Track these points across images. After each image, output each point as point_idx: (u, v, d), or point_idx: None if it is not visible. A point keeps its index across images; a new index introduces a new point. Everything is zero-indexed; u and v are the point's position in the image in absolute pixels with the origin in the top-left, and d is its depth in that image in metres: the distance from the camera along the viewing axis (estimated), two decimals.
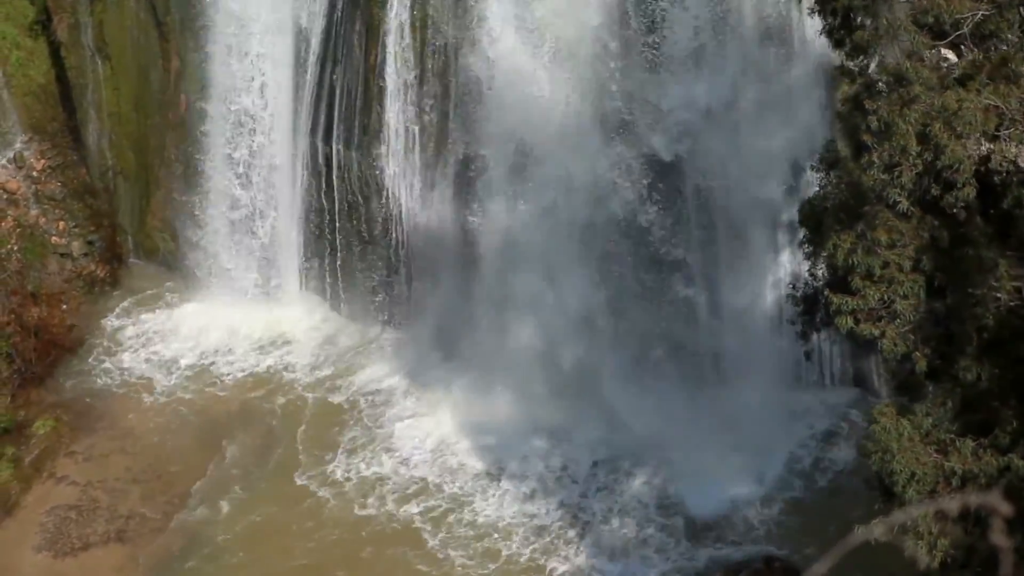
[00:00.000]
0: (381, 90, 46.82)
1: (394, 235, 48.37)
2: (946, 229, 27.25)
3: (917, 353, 27.49)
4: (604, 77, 42.78)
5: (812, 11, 31.09)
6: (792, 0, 40.05)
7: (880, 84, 28.71)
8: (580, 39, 42.94)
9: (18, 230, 53.32)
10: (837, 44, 30.60)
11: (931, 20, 27.58)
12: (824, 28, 30.64)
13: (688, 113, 42.45)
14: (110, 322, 52.81)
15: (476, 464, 45.23)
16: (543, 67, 43.53)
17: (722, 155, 42.50)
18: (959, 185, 26.20)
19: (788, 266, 42.07)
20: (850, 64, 30.08)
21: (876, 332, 27.17)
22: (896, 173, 26.70)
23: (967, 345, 27.27)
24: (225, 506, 44.99)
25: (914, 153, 26.47)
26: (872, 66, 29.45)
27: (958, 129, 26.09)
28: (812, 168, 32.63)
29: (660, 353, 44.73)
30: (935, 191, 26.61)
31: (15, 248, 52.92)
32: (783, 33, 41.59)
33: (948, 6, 27.32)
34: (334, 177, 48.78)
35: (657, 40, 42.19)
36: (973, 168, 26.11)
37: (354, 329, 50.77)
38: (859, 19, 28.93)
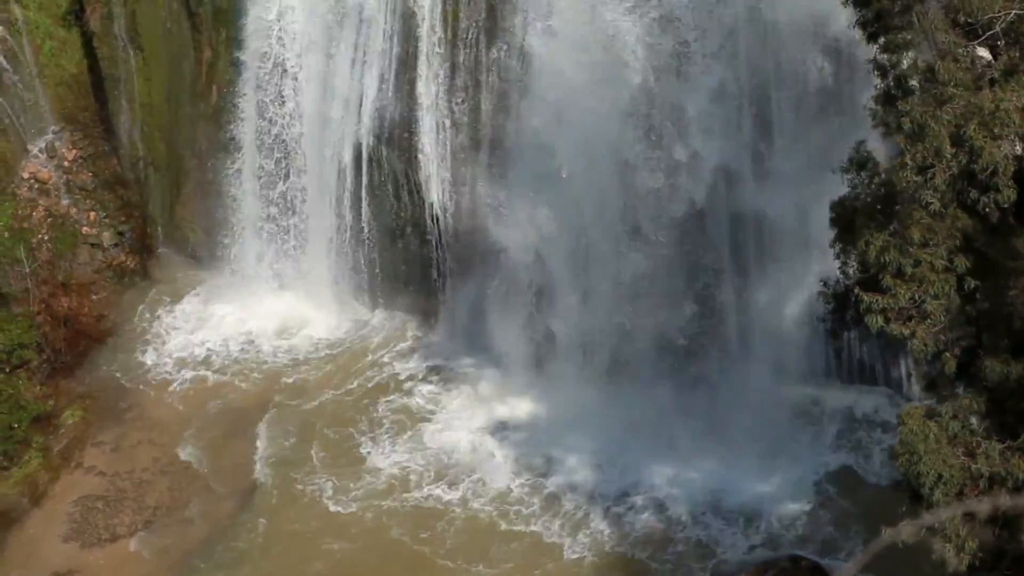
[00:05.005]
0: (413, 83, 46.75)
1: (426, 229, 48.32)
2: (980, 230, 27.02)
3: (947, 354, 27.29)
4: (636, 75, 42.54)
5: (845, 2, 30.90)
6: None
7: (912, 81, 28.51)
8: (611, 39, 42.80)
9: (49, 220, 53.54)
10: (871, 38, 30.47)
11: (963, 20, 27.33)
12: (857, 20, 30.50)
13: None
14: (140, 312, 53.10)
15: (508, 457, 45.18)
16: (575, 63, 43.32)
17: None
18: (998, 188, 25.92)
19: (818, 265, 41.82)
20: (883, 58, 29.89)
21: (906, 332, 26.93)
22: (930, 175, 26.48)
23: (997, 346, 27.07)
24: (252, 498, 45.00)
25: (948, 155, 26.22)
26: (905, 62, 29.22)
27: (995, 130, 25.80)
28: (842, 169, 32.40)
29: (689, 351, 44.59)
30: (973, 194, 26.34)
31: (46, 238, 53.12)
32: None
33: (981, 5, 27.06)
34: (366, 171, 48.68)
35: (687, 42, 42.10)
36: (1012, 170, 25.85)
37: (384, 322, 50.85)
38: (892, 20, 28.78)
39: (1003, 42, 27.48)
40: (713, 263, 43.98)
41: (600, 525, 42.59)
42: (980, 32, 27.53)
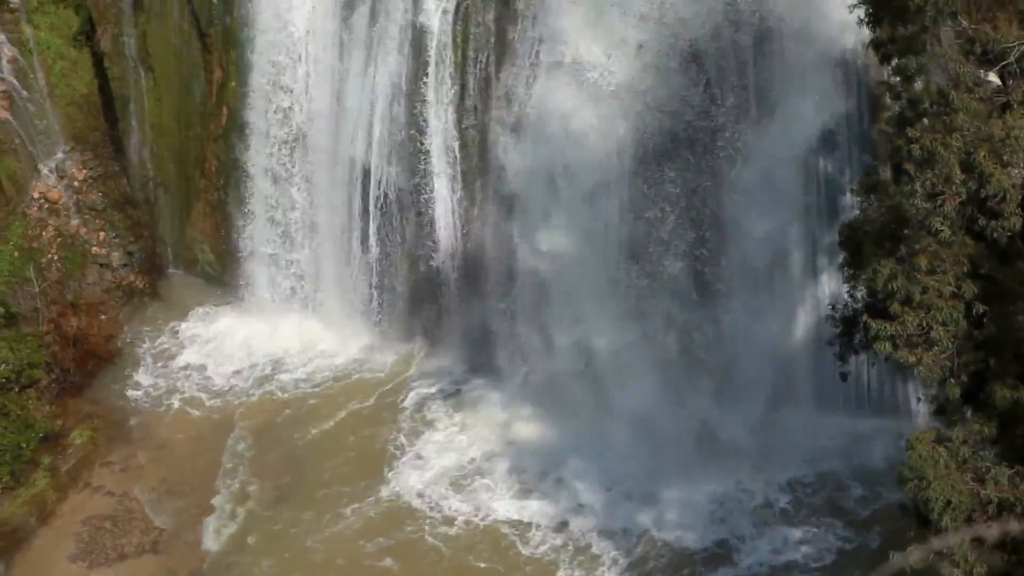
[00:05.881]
0: (422, 106, 46.87)
1: (433, 252, 48.38)
2: (987, 256, 27.09)
3: (952, 381, 27.33)
4: (645, 99, 42.64)
5: (860, 21, 31.05)
6: None
7: (924, 105, 28.60)
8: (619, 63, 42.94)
9: (59, 240, 53.70)
10: (883, 59, 30.58)
11: (978, 50, 27.43)
12: (871, 42, 30.73)
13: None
14: (149, 332, 53.17)
15: (511, 479, 45.19)
16: (584, 86, 43.41)
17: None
18: (1006, 214, 26.01)
19: (827, 288, 41.83)
20: (895, 81, 30.01)
21: (913, 359, 27.01)
22: (939, 202, 26.57)
23: (1005, 372, 27.10)
24: (260, 519, 45.02)
25: (958, 181, 26.32)
26: (917, 85, 29.32)
27: (1004, 157, 25.92)
28: (852, 191, 32.46)
29: (696, 374, 44.56)
30: (981, 221, 26.42)
31: (55, 258, 53.28)
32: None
33: (995, 35, 27.17)
34: (374, 193, 48.76)
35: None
36: (1021, 197, 25.94)
37: (393, 343, 50.86)
38: (904, 45, 28.89)
39: (1016, 70, 27.57)
40: (719, 287, 44.00)
41: (609, 552, 42.56)
42: (993, 61, 27.65)
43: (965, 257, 26.92)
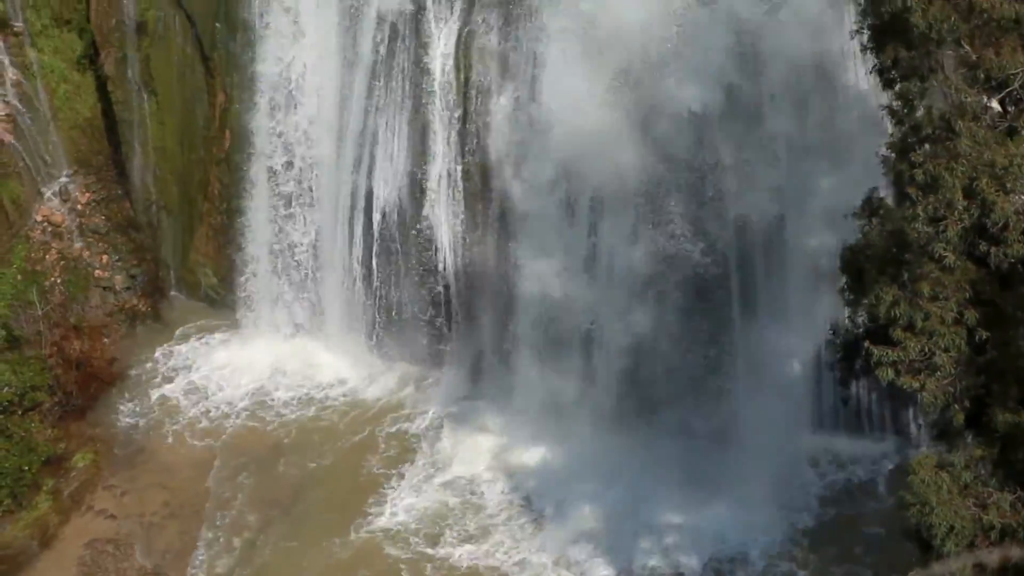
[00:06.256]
0: (424, 130, 47.01)
1: (436, 274, 48.52)
2: (989, 281, 27.13)
3: (955, 407, 27.34)
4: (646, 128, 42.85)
5: (864, 48, 31.08)
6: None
7: (926, 131, 28.62)
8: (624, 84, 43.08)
9: (62, 263, 53.80)
10: (887, 84, 30.59)
11: (981, 76, 27.48)
12: (874, 67, 30.60)
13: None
14: (151, 355, 53.19)
15: (514, 504, 45.20)
16: (589, 106, 43.55)
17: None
18: (1009, 241, 26.07)
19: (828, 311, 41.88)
20: (897, 106, 30.05)
21: (916, 385, 27.02)
22: (941, 227, 26.63)
23: (1006, 397, 27.12)
24: (260, 544, 45.01)
25: (960, 207, 26.38)
26: (920, 111, 29.33)
27: (1007, 184, 25.99)
28: (853, 215, 32.50)
29: (698, 398, 44.63)
30: (983, 247, 26.49)
31: (58, 281, 53.37)
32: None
33: (999, 60, 27.22)
34: (377, 217, 48.87)
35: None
36: (1023, 225, 26.00)
37: (395, 367, 50.96)
38: (907, 70, 28.89)
39: (1020, 96, 27.62)
40: (725, 313, 44.07)
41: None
42: (996, 87, 27.70)
43: (967, 283, 26.95)
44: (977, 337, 26.93)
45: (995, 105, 28.76)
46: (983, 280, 27.16)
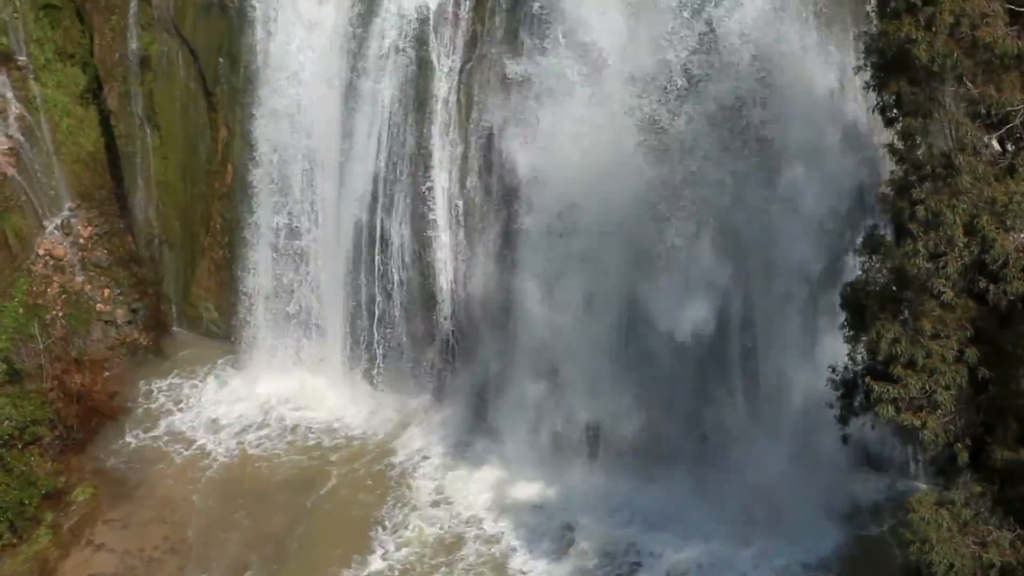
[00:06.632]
0: (427, 165, 47.14)
1: (438, 308, 48.60)
2: (990, 320, 27.24)
3: (959, 445, 27.40)
4: (646, 158, 42.95)
5: (867, 86, 31.23)
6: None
7: (927, 168, 28.76)
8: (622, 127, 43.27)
9: (63, 296, 53.88)
10: (888, 123, 30.75)
11: (983, 110, 27.63)
12: (876, 105, 30.88)
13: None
14: (152, 390, 53.22)
15: (514, 539, 45.11)
16: (583, 143, 43.70)
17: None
18: (1007, 279, 26.18)
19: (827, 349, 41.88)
20: (899, 144, 30.16)
21: (917, 422, 27.14)
22: (941, 263, 26.76)
23: (1007, 435, 27.20)
24: None
25: (961, 244, 26.52)
26: (920, 151, 29.48)
27: (1007, 222, 26.13)
28: (855, 251, 32.57)
29: (699, 435, 44.63)
30: (982, 283, 26.60)
31: (60, 314, 53.44)
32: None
33: (1000, 97, 27.39)
34: (379, 251, 49.05)
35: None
36: (1022, 262, 26.13)
37: (396, 400, 50.95)
38: (909, 105, 29.05)
39: (1020, 134, 27.79)
40: (727, 351, 44.11)
41: None
42: (997, 124, 27.87)
43: (968, 321, 27.07)
44: (979, 375, 27.02)
45: (995, 144, 28.94)
46: (984, 318, 27.29)
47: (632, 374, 44.57)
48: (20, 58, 54.52)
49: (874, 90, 30.98)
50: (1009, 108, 27.60)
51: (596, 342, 44.92)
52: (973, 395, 27.44)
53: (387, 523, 46.36)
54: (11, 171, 53.58)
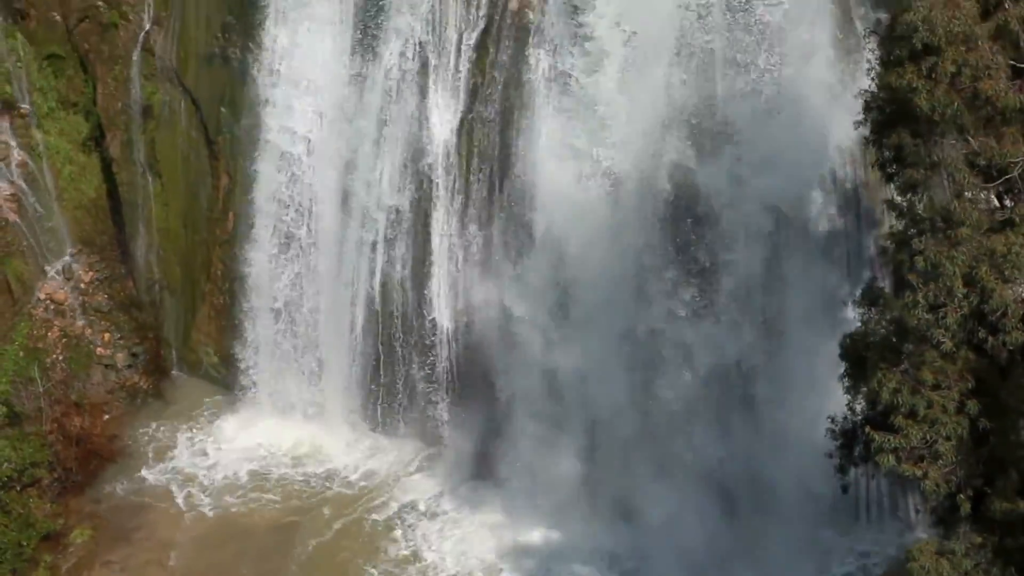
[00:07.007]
0: (427, 213, 47.65)
1: (438, 355, 48.97)
2: (990, 371, 27.57)
3: (961, 496, 27.65)
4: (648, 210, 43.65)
5: (867, 142, 31.64)
6: None
7: (927, 222, 29.16)
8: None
9: (64, 340, 54.12)
10: (888, 179, 31.10)
11: (983, 162, 28.04)
12: (876, 161, 31.25)
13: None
14: (151, 433, 53.37)
15: None
16: (586, 189, 44.28)
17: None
18: (1006, 329, 26.58)
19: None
20: (899, 199, 30.59)
21: (919, 472, 27.36)
22: (941, 314, 27.12)
23: (1007, 487, 27.46)
24: None
25: (960, 295, 26.88)
26: (920, 204, 29.92)
27: (1006, 273, 26.51)
28: (854, 303, 32.96)
29: (698, 481, 44.88)
30: (981, 334, 26.97)
31: (60, 358, 53.68)
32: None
33: (1000, 149, 27.80)
34: (379, 298, 49.41)
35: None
36: (1022, 313, 26.53)
37: (396, 447, 51.18)
38: (910, 158, 29.52)
39: (1020, 186, 28.20)
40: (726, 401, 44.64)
41: None
42: (996, 175, 28.34)
43: (969, 372, 27.38)
44: (980, 426, 27.34)
45: (994, 199, 29.41)
46: (984, 369, 27.60)
47: (636, 423, 44.99)
48: (24, 106, 54.89)
49: (874, 145, 31.45)
50: (1010, 160, 27.97)
51: (596, 394, 45.38)
52: (974, 446, 27.70)
53: (387, 569, 46.58)
54: (13, 217, 53.88)
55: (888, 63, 29.41)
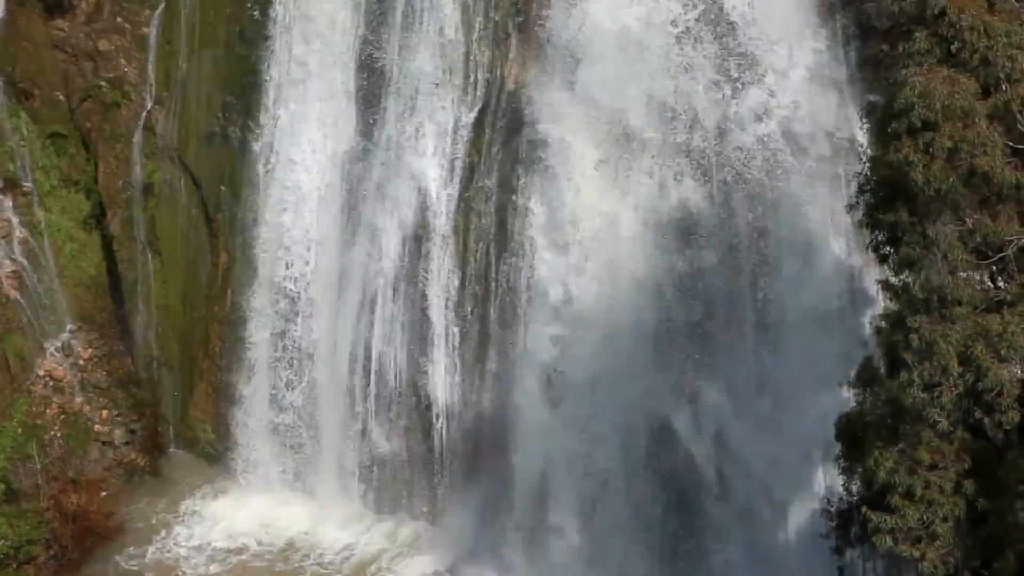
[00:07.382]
0: (423, 291, 47.85)
1: (433, 433, 48.93)
2: (987, 451, 27.62)
3: None
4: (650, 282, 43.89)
5: (861, 224, 31.75)
6: None
7: (922, 302, 29.19)
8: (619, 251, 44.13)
9: (62, 417, 54.10)
10: (882, 260, 31.21)
11: (978, 240, 28.16)
12: (870, 243, 31.33)
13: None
14: (149, 511, 53.13)
15: None
16: (579, 273, 44.48)
17: None
18: (1002, 409, 26.65)
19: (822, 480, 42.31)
20: (894, 280, 30.70)
21: (916, 554, 27.34)
22: (936, 393, 27.18)
23: (1005, 569, 27.44)
24: None
25: (955, 374, 26.96)
26: (916, 284, 30.01)
27: (1002, 352, 26.60)
28: (848, 383, 33.09)
29: (697, 560, 44.88)
30: (977, 414, 27.03)
31: (58, 434, 53.65)
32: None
33: (995, 228, 27.94)
34: (375, 376, 49.53)
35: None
36: (1017, 392, 26.61)
37: (390, 524, 51.00)
38: (905, 236, 29.62)
39: (1014, 266, 28.33)
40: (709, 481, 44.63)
41: None
42: (990, 254, 28.48)
43: (965, 452, 27.42)
44: (977, 507, 27.36)
45: (988, 280, 29.56)
46: (981, 449, 27.66)
47: (631, 503, 44.96)
48: (26, 184, 55.15)
49: (867, 227, 31.62)
50: (1005, 238, 28.10)
51: (593, 475, 45.38)
52: (971, 527, 27.69)
53: None
54: (14, 294, 54.04)
55: (884, 137, 29.46)
